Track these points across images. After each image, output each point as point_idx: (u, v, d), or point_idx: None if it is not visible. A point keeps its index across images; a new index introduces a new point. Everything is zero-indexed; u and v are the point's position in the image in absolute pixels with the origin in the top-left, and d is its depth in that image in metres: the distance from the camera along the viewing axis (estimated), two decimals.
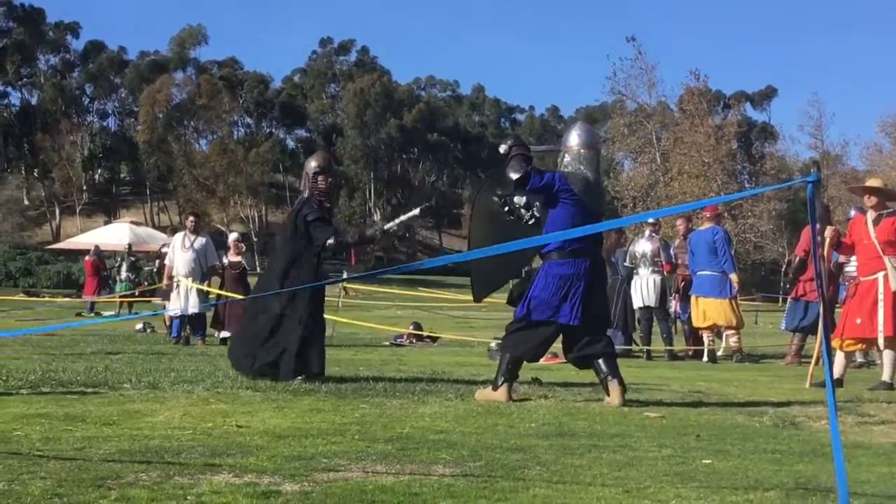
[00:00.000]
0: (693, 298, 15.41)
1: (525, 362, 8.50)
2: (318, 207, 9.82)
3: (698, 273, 15.32)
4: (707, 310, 15.16)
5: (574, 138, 8.49)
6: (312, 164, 10.10)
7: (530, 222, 8.56)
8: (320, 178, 9.95)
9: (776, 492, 4.55)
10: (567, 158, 8.41)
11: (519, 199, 8.57)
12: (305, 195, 9.96)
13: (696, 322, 15.43)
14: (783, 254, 46.17)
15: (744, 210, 59.40)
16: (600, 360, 8.13)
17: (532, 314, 8.14)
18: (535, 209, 8.52)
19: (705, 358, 15.15)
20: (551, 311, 8.05)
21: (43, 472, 4.65)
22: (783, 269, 18.63)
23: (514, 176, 8.14)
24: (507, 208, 8.63)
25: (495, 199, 8.71)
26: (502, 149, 8.52)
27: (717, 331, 15.68)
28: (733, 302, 15.30)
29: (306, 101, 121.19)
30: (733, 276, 15.19)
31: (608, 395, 8.08)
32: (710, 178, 58.28)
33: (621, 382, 8.08)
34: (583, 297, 7.99)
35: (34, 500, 4.09)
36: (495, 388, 8.25)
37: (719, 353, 15.58)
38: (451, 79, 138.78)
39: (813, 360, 11.13)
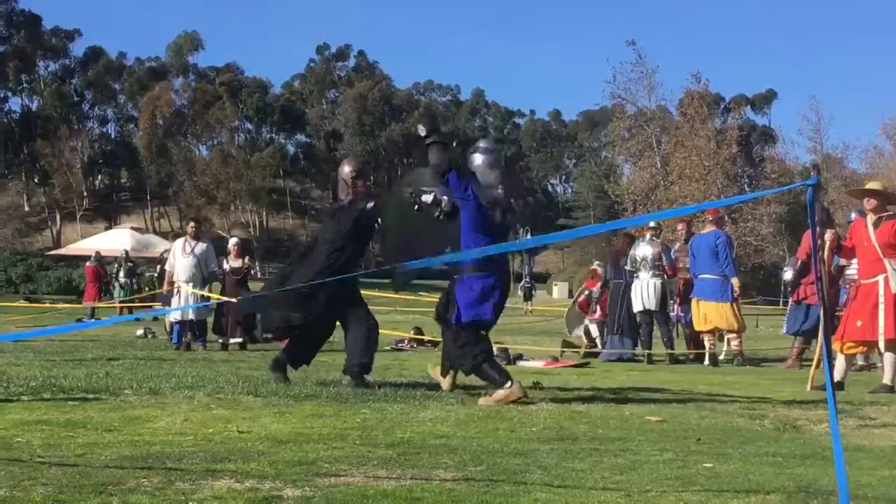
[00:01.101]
0: (694, 302, 15.41)
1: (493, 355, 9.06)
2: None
3: (699, 276, 15.32)
4: (708, 313, 15.15)
5: (477, 158, 8.93)
6: (347, 169, 10.23)
7: (441, 217, 8.99)
8: (359, 182, 10.16)
9: (777, 495, 4.55)
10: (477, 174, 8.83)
11: (427, 198, 9.07)
12: (346, 200, 10.01)
13: (698, 325, 15.44)
14: (783, 257, 46.11)
15: (744, 213, 59.41)
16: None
17: (462, 318, 8.55)
18: (443, 205, 8.93)
19: (706, 361, 15.15)
20: (477, 312, 8.53)
21: (44, 479, 4.65)
22: (783, 273, 18.61)
23: (436, 166, 8.61)
24: (416, 206, 9.15)
25: (407, 196, 9.37)
26: (421, 131, 8.87)
27: (718, 334, 15.68)
28: (734, 305, 15.29)
29: (306, 106, 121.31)
30: (735, 280, 15.18)
31: (443, 381, 9.10)
32: (710, 181, 58.29)
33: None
34: (494, 305, 8.57)
35: None
36: (504, 389, 8.35)
37: (720, 357, 15.58)
38: (451, 83, 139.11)
39: (814, 364, 11.14)
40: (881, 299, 10.22)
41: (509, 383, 8.30)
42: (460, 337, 8.61)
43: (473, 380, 8.91)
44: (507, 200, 8.81)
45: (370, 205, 9.91)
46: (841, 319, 11.03)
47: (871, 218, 10.47)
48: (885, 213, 10.41)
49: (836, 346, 10.50)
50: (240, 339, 17.03)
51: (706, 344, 15.43)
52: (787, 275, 15.98)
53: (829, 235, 10.50)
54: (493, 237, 8.45)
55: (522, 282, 50.21)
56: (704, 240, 15.37)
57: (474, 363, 8.54)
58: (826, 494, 4.53)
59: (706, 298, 15.18)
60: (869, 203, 10.53)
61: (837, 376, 10.38)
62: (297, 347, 10.10)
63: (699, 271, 15.33)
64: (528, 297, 47.64)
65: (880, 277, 10.28)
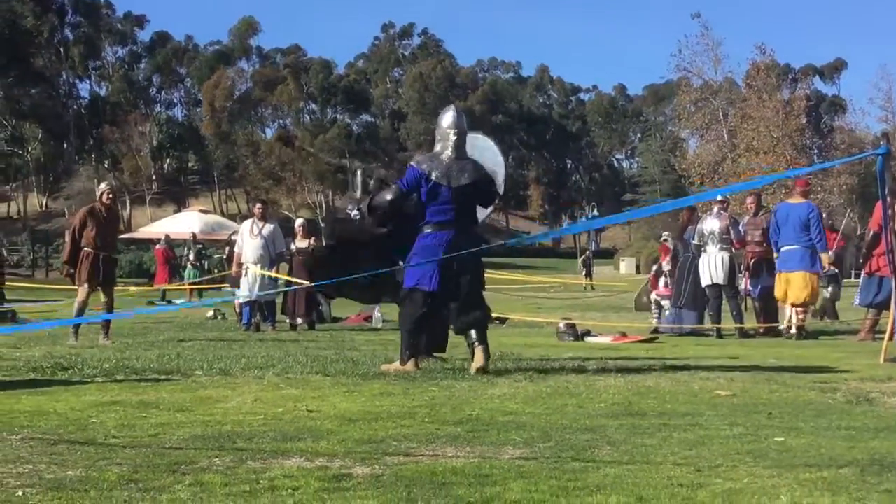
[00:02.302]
0: (779, 275, 15.03)
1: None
2: None
3: (784, 248, 14.97)
4: (794, 284, 14.77)
5: (445, 120, 9.26)
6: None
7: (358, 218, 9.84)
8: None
9: (850, 469, 4.50)
10: (437, 137, 9.25)
11: (351, 209, 10.06)
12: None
13: (781, 298, 15.12)
14: (854, 228, 45.47)
15: (814, 185, 58.56)
16: (472, 330, 8.82)
17: (406, 282, 8.94)
18: (361, 210, 9.65)
19: (793, 333, 14.79)
20: (417, 279, 8.81)
21: (119, 459, 4.72)
22: (857, 245, 18.34)
23: (390, 196, 9.06)
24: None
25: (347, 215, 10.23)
26: (356, 215, 9.83)
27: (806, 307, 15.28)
28: (817, 277, 15.03)
29: (370, 85, 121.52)
30: (824, 256, 14.89)
31: (472, 359, 8.80)
32: (778, 153, 57.51)
33: (486, 350, 8.78)
34: (439, 267, 8.67)
35: (110, 485, 4.15)
36: (402, 362, 8.87)
37: (792, 330, 15.23)
38: (514, 60, 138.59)
39: (887, 336, 10.95)
40: None
41: (409, 361, 8.84)
42: (405, 295, 8.99)
43: (541, 357, 8.88)
44: (462, 160, 9.04)
45: None
46: None
47: None
48: None
49: None
50: (297, 321, 17.19)
51: (792, 317, 15.03)
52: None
53: None
54: (444, 205, 8.83)
55: (582, 257, 50.38)
56: (795, 210, 14.90)
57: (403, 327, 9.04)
58: None
59: (793, 269, 14.82)
60: None
61: None
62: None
63: (786, 242, 14.91)
64: (586, 272, 47.88)
65: None
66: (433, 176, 8.83)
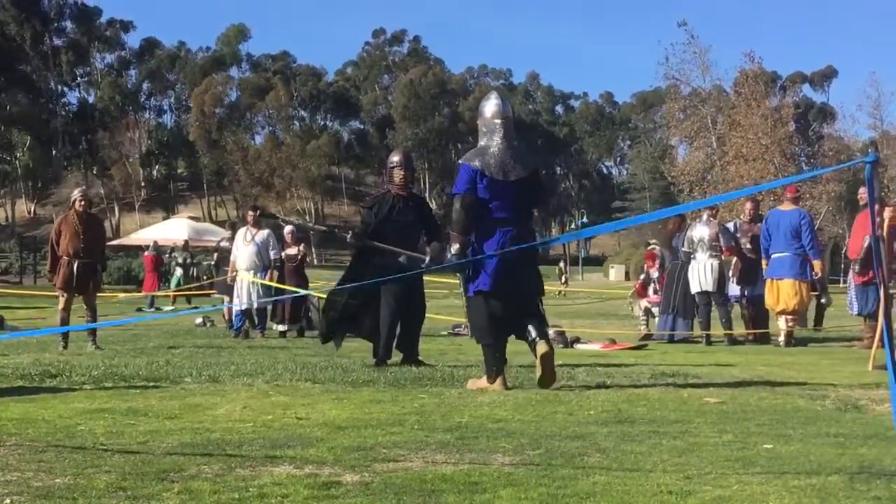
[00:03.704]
0: (769, 282, 15.05)
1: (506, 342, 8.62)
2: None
3: (775, 255, 14.97)
4: (784, 292, 14.78)
5: (488, 109, 8.73)
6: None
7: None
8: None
9: (839, 476, 4.51)
10: (483, 129, 8.67)
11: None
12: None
13: (772, 306, 15.13)
14: (843, 235, 45.56)
15: (802, 192, 58.62)
16: (530, 326, 8.30)
17: (469, 290, 8.50)
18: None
19: (781, 341, 14.80)
20: (478, 283, 8.33)
21: (107, 466, 4.71)
22: (843, 253, 18.36)
23: (458, 206, 8.39)
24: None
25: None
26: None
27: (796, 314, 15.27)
28: (808, 285, 15.03)
29: (359, 92, 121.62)
30: (816, 263, 14.89)
31: (535, 355, 8.23)
32: (767, 160, 57.66)
33: (548, 342, 8.29)
34: (497, 266, 8.20)
35: (99, 493, 4.15)
36: (490, 379, 8.26)
37: (781, 338, 15.29)
38: (504, 67, 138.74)
39: (875, 343, 10.98)
40: None
41: (498, 379, 8.22)
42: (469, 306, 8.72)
43: (531, 365, 8.86)
44: (512, 149, 8.48)
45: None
46: None
47: None
48: None
49: None
50: (287, 327, 17.19)
51: (782, 325, 15.03)
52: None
53: (888, 213, 10.35)
54: (503, 201, 8.29)
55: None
56: (786, 217, 14.90)
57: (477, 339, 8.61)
58: (889, 475, 4.49)
59: (783, 277, 14.82)
60: None
61: None
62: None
63: (776, 249, 14.86)
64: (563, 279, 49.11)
65: None
66: (490, 171, 8.28)
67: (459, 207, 8.35)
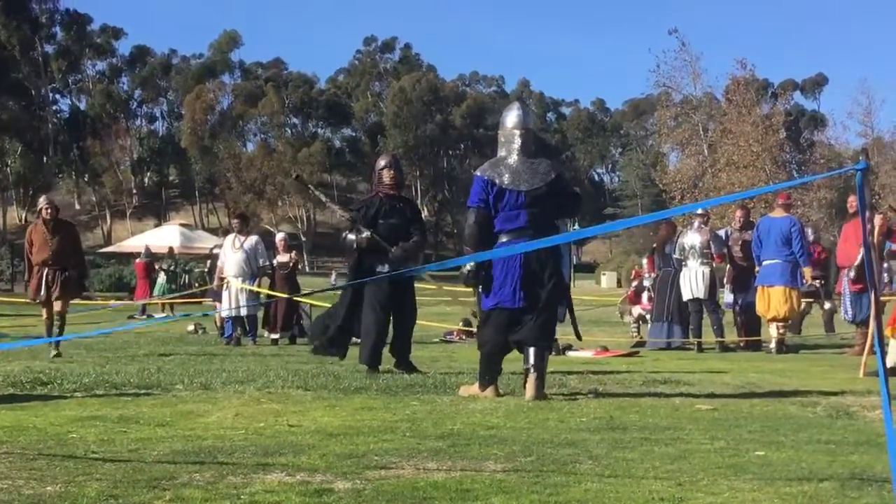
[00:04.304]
0: (760, 289, 15.06)
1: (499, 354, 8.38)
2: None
3: (766, 262, 14.94)
4: (775, 299, 14.79)
5: (509, 119, 8.54)
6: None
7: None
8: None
9: (831, 483, 4.51)
10: (501, 140, 8.51)
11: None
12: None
13: (762, 313, 15.13)
14: (834, 243, 45.63)
15: (794, 199, 58.66)
16: (530, 351, 8.03)
17: (485, 303, 8.30)
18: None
19: (772, 348, 14.80)
20: (498, 298, 8.13)
21: (98, 474, 4.70)
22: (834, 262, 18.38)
23: (472, 220, 8.27)
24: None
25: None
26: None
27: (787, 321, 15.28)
28: (798, 293, 15.03)
29: (351, 99, 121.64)
30: (807, 270, 14.90)
31: (525, 378, 8.06)
32: (758, 168, 57.72)
33: (541, 379, 8.01)
34: (522, 280, 8.01)
35: (90, 501, 4.13)
36: (482, 387, 8.18)
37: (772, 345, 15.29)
38: (496, 74, 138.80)
39: (866, 350, 11.00)
40: None
41: (489, 387, 8.14)
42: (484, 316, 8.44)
43: (523, 372, 8.84)
44: (529, 162, 8.27)
45: None
46: (895, 305, 10.89)
47: None
48: None
49: (888, 331, 10.38)
50: (278, 335, 17.19)
51: (773, 332, 15.04)
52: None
53: (878, 220, 10.38)
54: (515, 211, 8.12)
55: None
56: (777, 224, 14.89)
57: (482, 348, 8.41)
58: (880, 481, 4.49)
59: (774, 284, 14.82)
60: None
61: (890, 362, 10.24)
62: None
63: (767, 256, 14.86)
64: None
65: None
66: (500, 182, 8.12)
67: (472, 222, 8.24)
